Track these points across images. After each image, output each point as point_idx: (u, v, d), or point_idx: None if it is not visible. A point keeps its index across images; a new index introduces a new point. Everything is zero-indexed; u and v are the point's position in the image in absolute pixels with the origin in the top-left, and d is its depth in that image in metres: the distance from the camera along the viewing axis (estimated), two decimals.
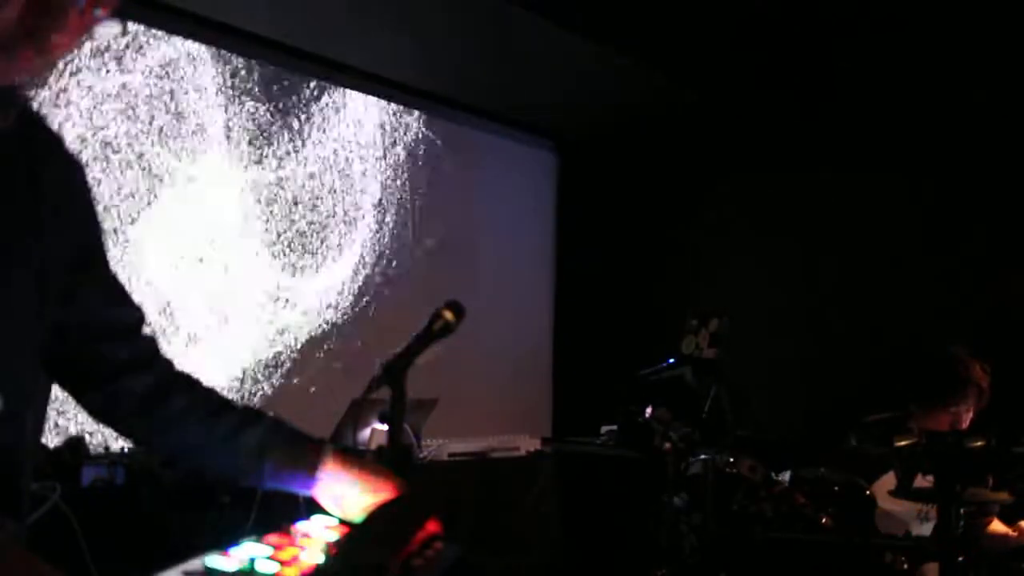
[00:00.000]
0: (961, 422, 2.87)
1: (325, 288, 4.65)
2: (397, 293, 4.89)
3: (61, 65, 3.44)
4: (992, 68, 4.25)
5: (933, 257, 4.45)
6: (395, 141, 5.02)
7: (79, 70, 3.59)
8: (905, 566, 2.63)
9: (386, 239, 4.93)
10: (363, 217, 4.85)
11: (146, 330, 1.25)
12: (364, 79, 4.83)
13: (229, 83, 4.26)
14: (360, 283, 4.80)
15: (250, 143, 4.34)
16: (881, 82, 4.59)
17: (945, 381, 2.88)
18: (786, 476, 3.04)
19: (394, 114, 5.03)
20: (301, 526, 1.09)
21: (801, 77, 4.72)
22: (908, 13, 4.10)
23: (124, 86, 3.79)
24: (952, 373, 2.87)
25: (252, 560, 0.94)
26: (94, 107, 3.69)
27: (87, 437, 3.26)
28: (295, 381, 4.45)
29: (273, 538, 1.02)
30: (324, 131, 4.68)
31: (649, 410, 4.28)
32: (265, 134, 4.41)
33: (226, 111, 4.24)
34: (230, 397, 1.28)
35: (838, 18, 4.18)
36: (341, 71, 4.72)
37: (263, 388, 4.32)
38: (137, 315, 1.24)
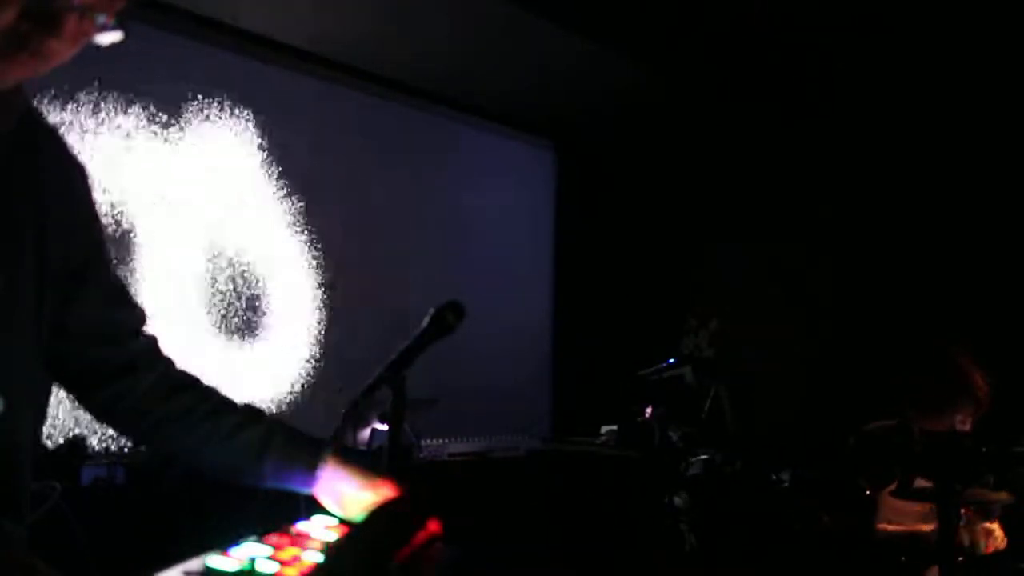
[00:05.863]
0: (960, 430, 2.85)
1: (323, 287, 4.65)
2: (397, 293, 4.88)
3: None
4: (990, 69, 4.26)
5: (934, 255, 4.45)
6: (393, 140, 5.01)
7: None
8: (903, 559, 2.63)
9: (385, 239, 4.93)
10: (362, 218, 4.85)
11: (147, 330, 1.25)
12: (362, 78, 4.83)
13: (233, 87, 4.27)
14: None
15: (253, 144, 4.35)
16: (880, 83, 4.59)
17: (944, 390, 2.86)
18: (786, 476, 3.05)
19: (392, 113, 5.04)
20: (301, 526, 1.10)
21: (801, 78, 4.72)
22: (908, 15, 4.10)
23: None
24: (952, 382, 2.85)
25: (252, 560, 0.94)
26: None
27: (87, 437, 3.26)
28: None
29: (273, 538, 1.02)
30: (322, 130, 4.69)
31: (649, 410, 4.29)
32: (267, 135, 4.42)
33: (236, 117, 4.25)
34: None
35: (840, 20, 4.17)
36: (339, 70, 4.72)
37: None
38: (138, 315, 1.24)
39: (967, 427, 2.82)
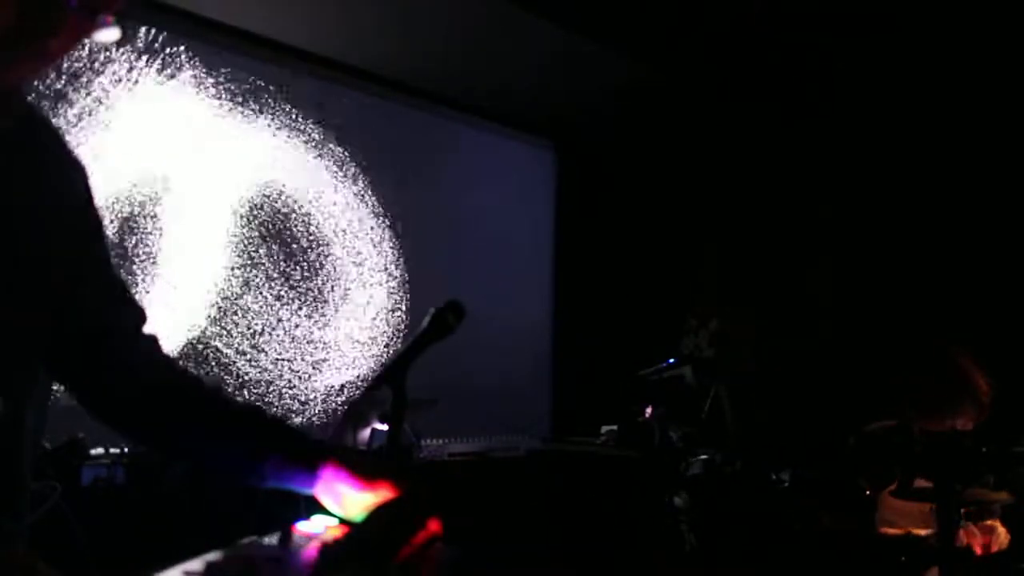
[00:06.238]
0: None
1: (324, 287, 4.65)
2: (397, 293, 4.89)
3: None
4: (990, 68, 4.25)
5: (934, 255, 4.44)
6: (393, 140, 5.01)
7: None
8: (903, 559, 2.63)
9: (385, 239, 4.92)
10: (363, 218, 4.85)
11: (147, 330, 1.25)
12: (362, 78, 4.83)
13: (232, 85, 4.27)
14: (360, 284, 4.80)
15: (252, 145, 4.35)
16: (880, 83, 4.59)
17: (945, 390, 2.84)
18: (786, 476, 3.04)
19: (392, 113, 5.03)
20: (301, 526, 1.09)
21: (801, 78, 4.72)
22: (907, 15, 4.10)
23: None
24: (953, 383, 2.84)
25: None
26: None
27: (87, 437, 3.25)
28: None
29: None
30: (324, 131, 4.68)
31: (649, 410, 4.29)
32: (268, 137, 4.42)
33: (230, 111, 4.25)
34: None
35: (840, 20, 4.17)
36: (339, 70, 4.72)
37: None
38: (138, 315, 1.24)
39: (970, 427, 2.81)
